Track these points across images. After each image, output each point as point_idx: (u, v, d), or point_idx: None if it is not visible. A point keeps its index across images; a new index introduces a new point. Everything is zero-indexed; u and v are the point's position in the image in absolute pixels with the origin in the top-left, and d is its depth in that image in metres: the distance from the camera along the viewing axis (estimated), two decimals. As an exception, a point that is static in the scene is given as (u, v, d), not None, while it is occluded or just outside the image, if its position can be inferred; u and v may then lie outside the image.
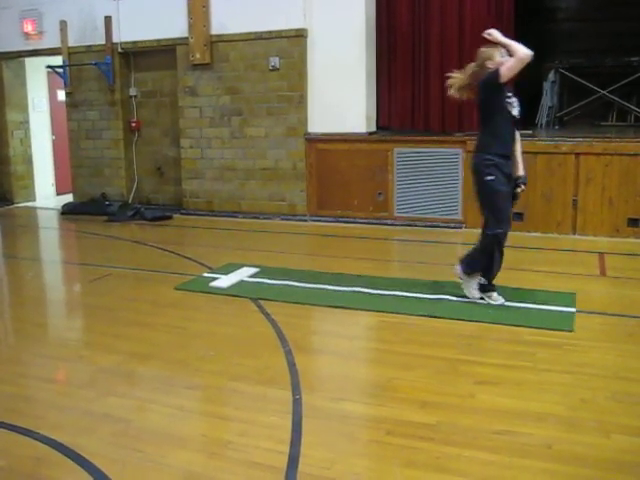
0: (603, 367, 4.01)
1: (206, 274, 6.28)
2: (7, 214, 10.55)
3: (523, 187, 5.25)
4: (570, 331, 4.58)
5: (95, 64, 10.00)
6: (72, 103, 10.53)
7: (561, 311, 5.00)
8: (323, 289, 5.71)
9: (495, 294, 5.20)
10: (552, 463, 2.96)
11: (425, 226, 8.36)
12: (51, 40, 10.40)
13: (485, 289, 5.22)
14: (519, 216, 7.86)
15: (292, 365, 4.10)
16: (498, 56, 5.00)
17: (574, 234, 7.64)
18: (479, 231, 8.00)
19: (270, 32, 8.91)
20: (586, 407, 3.49)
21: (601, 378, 3.86)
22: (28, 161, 11.43)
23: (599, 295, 5.54)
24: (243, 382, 3.91)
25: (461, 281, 5.32)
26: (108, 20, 9.92)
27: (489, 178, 5.00)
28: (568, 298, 5.27)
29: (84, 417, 3.51)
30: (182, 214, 9.75)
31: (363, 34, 8.66)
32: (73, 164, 10.74)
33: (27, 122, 11.38)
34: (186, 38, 9.42)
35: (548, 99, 10.17)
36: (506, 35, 8.45)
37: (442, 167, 8.28)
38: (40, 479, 2.93)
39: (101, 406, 3.64)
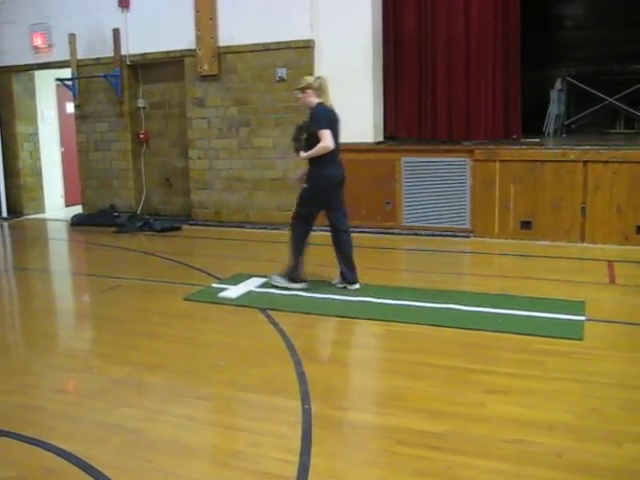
0: (613, 376, 4.00)
1: (215, 285, 6.29)
2: (17, 226, 10.60)
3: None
4: (579, 339, 4.57)
5: (104, 76, 10.07)
6: (81, 115, 10.60)
7: (570, 319, 4.99)
8: (331, 299, 5.72)
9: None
10: (562, 472, 2.95)
11: (433, 235, 8.36)
12: (60, 53, 10.48)
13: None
14: (527, 224, 7.86)
15: (301, 375, 4.10)
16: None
17: (583, 242, 7.62)
18: (488, 240, 8.06)
19: (277, 43, 8.96)
20: (596, 416, 3.48)
21: (611, 387, 3.85)
22: (37, 173, 11.49)
23: (608, 303, 5.52)
24: (252, 392, 3.92)
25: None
26: (116, 32, 10.00)
27: None
28: (577, 306, 5.26)
29: (95, 427, 3.53)
30: (191, 225, 9.78)
31: (370, 44, 8.70)
32: (82, 176, 10.79)
33: (36, 134, 11.45)
34: (194, 50, 9.48)
35: (555, 107, 10.17)
36: (513, 44, 8.55)
37: (450, 176, 8.28)
38: (51, 490, 2.95)
39: (111, 416, 3.66)
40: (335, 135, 5.75)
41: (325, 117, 5.72)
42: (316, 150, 5.67)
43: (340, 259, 6.00)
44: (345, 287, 5.97)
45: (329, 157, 5.73)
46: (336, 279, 6.09)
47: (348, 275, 5.97)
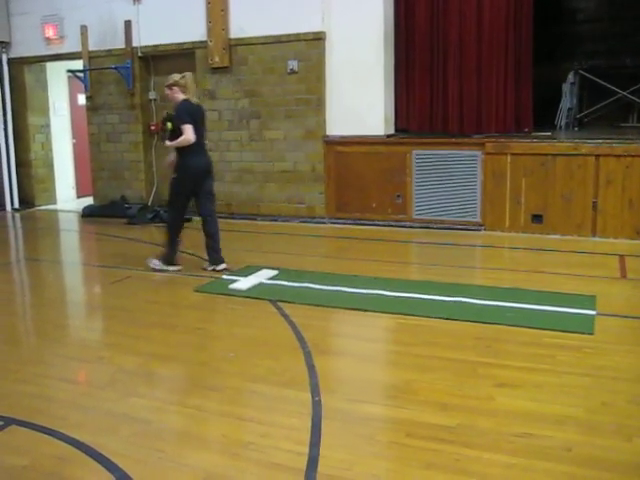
0: (623, 370, 3.99)
1: (225, 276, 6.30)
2: (29, 217, 10.66)
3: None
4: (590, 334, 4.56)
5: (115, 68, 10.09)
6: (92, 107, 10.63)
7: (581, 314, 4.97)
8: (342, 291, 5.72)
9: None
10: (572, 466, 2.95)
11: (444, 228, 8.35)
12: (72, 45, 10.51)
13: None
14: (539, 218, 7.83)
15: (311, 367, 4.11)
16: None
17: (594, 236, 7.59)
18: (499, 233, 8.05)
19: (288, 35, 8.94)
20: (606, 410, 3.47)
21: (621, 381, 3.84)
22: (49, 164, 11.54)
23: (619, 298, 5.50)
24: (263, 383, 3.93)
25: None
26: (128, 24, 10.01)
27: None
28: (588, 301, 5.24)
29: (105, 417, 3.55)
30: (201, 217, 9.78)
31: (381, 36, 8.67)
32: (93, 167, 10.82)
33: (48, 126, 11.49)
34: (205, 42, 9.47)
35: (567, 101, 10.11)
36: (525, 37, 8.48)
37: (461, 169, 8.26)
38: (63, 477, 2.97)
39: (122, 406, 3.68)
40: (199, 128, 6.31)
41: (188, 112, 6.24)
42: (178, 142, 6.23)
43: (207, 243, 6.56)
44: (214, 269, 6.48)
45: (194, 148, 6.27)
46: (206, 264, 6.62)
47: (213, 257, 6.52)
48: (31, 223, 10.27)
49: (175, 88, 6.32)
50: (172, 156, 6.51)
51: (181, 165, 6.37)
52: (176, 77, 6.35)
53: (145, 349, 4.57)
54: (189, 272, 6.56)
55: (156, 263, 6.58)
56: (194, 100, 6.40)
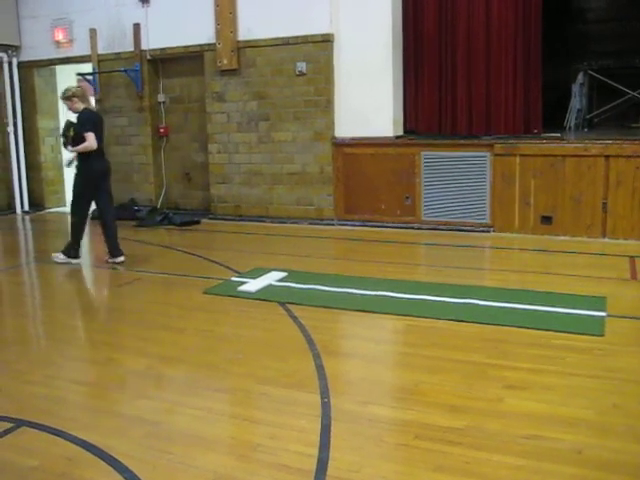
0: (634, 372, 3.96)
1: (234, 278, 6.32)
2: (38, 219, 10.71)
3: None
4: (600, 335, 4.54)
5: (124, 71, 10.13)
6: (102, 110, 10.60)
7: (591, 315, 4.95)
8: (351, 293, 5.72)
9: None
10: (582, 468, 2.93)
11: (453, 230, 8.33)
12: (81, 48, 10.56)
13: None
14: (548, 219, 7.80)
15: (320, 368, 4.11)
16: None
17: (604, 237, 7.55)
18: (508, 235, 8.02)
19: (297, 37, 8.95)
20: (617, 412, 3.45)
21: (632, 383, 3.82)
22: (59, 167, 11.59)
23: (630, 299, 5.47)
24: (271, 385, 3.93)
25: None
26: (136, 27, 10.05)
27: None
28: (598, 302, 5.22)
29: (114, 419, 3.56)
30: (210, 219, 9.82)
31: (390, 38, 8.66)
32: (103, 170, 10.86)
33: (58, 129, 11.47)
34: (213, 44, 9.50)
35: (577, 101, 10.07)
36: (534, 38, 8.47)
37: (470, 170, 8.24)
38: (73, 478, 2.98)
39: (131, 408, 3.69)
40: (99, 134, 6.83)
41: (90, 120, 6.78)
42: (80, 148, 6.76)
43: (105, 233, 7.14)
44: (113, 262, 7.12)
45: (94, 153, 6.80)
46: (108, 255, 7.21)
47: (113, 250, 7.13)
48: (41, 225, 10.32)
49: (75, 99, 6.80)
50: (71, 156, 7.18)
51: (82, 168, 6.90)
52: (72, 89, 6.91)
53: (154, 351, 4.59)
54: (198, 274, 6.57)
55: (60, 257, 7.10)
56: (92, 108, 6.97)
